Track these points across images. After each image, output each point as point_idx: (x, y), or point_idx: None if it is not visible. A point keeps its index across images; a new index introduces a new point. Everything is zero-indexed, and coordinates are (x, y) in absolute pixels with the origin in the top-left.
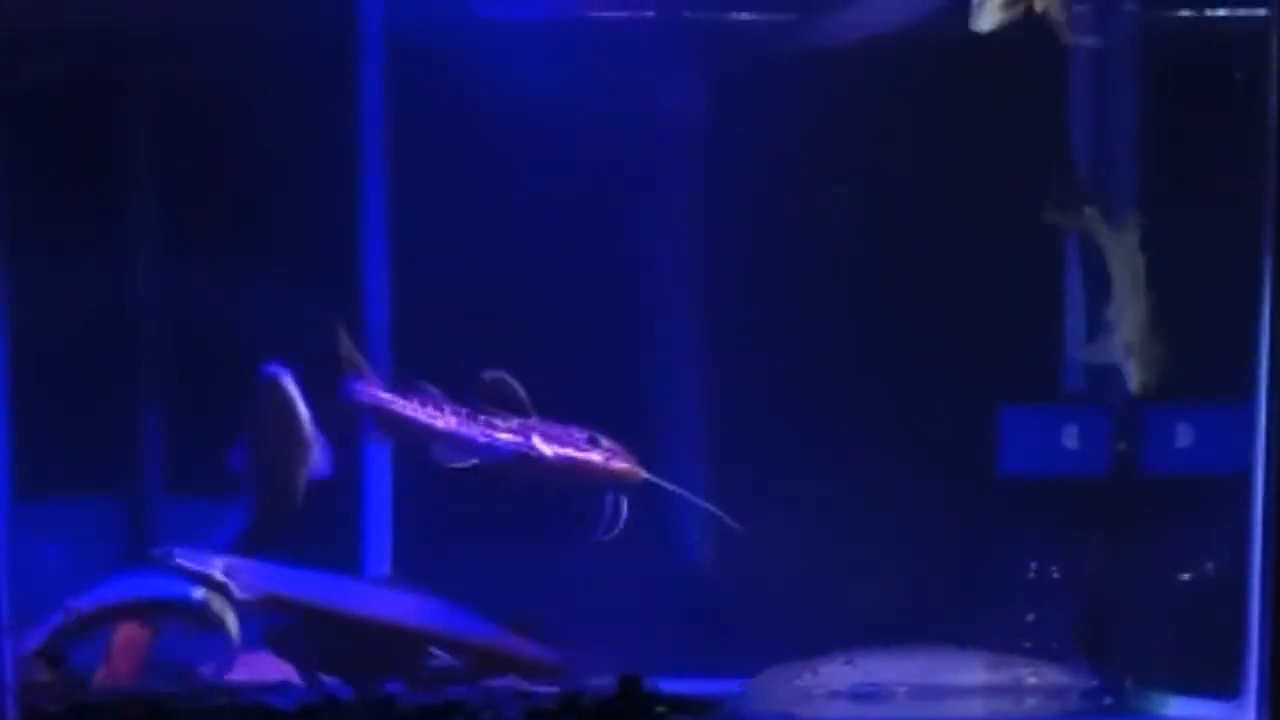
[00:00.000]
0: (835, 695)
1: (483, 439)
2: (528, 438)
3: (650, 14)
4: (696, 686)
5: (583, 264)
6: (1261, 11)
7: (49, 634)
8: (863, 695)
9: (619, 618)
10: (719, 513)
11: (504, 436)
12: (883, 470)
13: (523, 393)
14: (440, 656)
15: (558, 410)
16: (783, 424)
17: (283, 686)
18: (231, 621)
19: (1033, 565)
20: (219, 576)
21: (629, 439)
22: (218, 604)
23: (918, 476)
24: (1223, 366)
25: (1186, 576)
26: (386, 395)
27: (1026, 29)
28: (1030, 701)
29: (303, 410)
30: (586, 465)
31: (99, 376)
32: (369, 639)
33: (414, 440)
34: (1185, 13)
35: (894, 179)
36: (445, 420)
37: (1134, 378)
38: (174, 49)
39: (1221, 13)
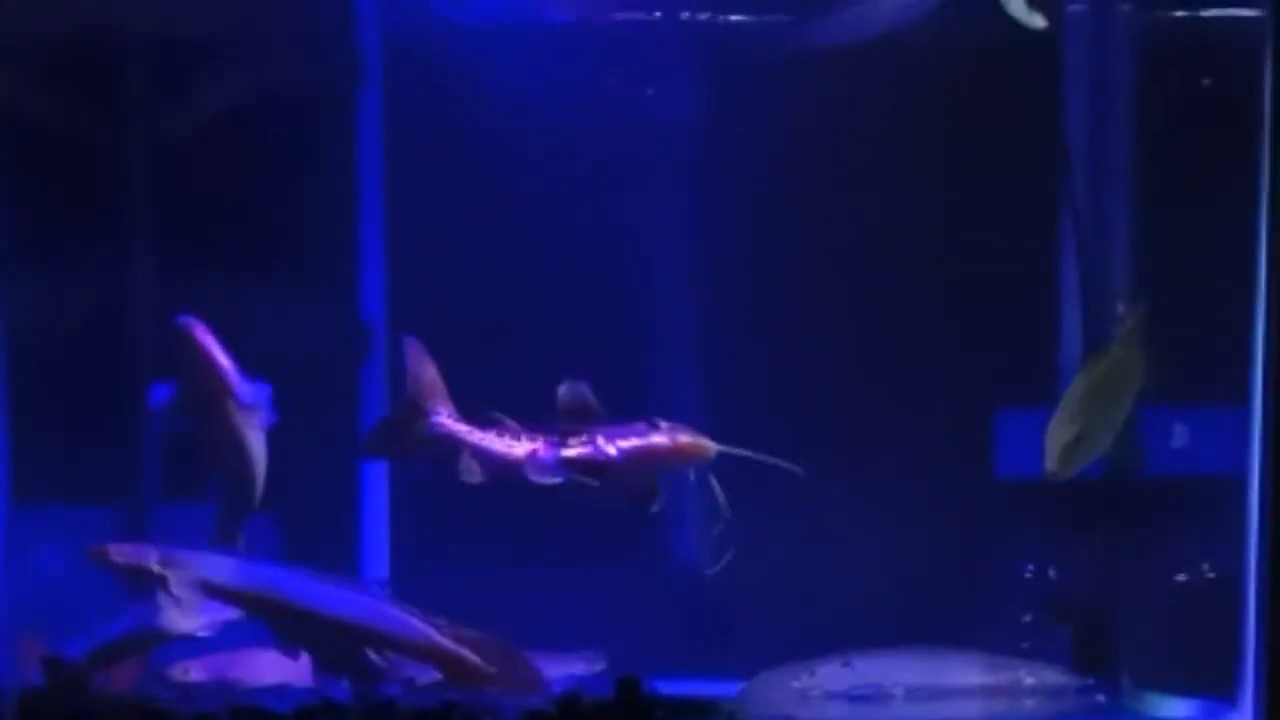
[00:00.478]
0: (832, 696)
1: (554, 458)
2: (594, 444)
3: (641, 19)
4: (694, 689)
5: (579, 270)
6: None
7: (85, 657)
8: (860, 696)
9: (617, 620)
10: (791, 467)
11: (573, 452)
12: (880, 473)
13: (594, 399)
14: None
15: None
16: (781, 428)
17: (280, 689)
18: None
19: (1029, 567)
20: (155, 568)
21: None
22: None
23: (915, 479)
24: (1218, 368)
25: (1183, 578)
26: (462, 426)
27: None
28: (1027, 702)
29: (221, 358)
30: (654, 449)
31: (98, 384)
32: (308, 631)
33: (493, 468)
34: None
35: (894, 188)
36: (522, 447)
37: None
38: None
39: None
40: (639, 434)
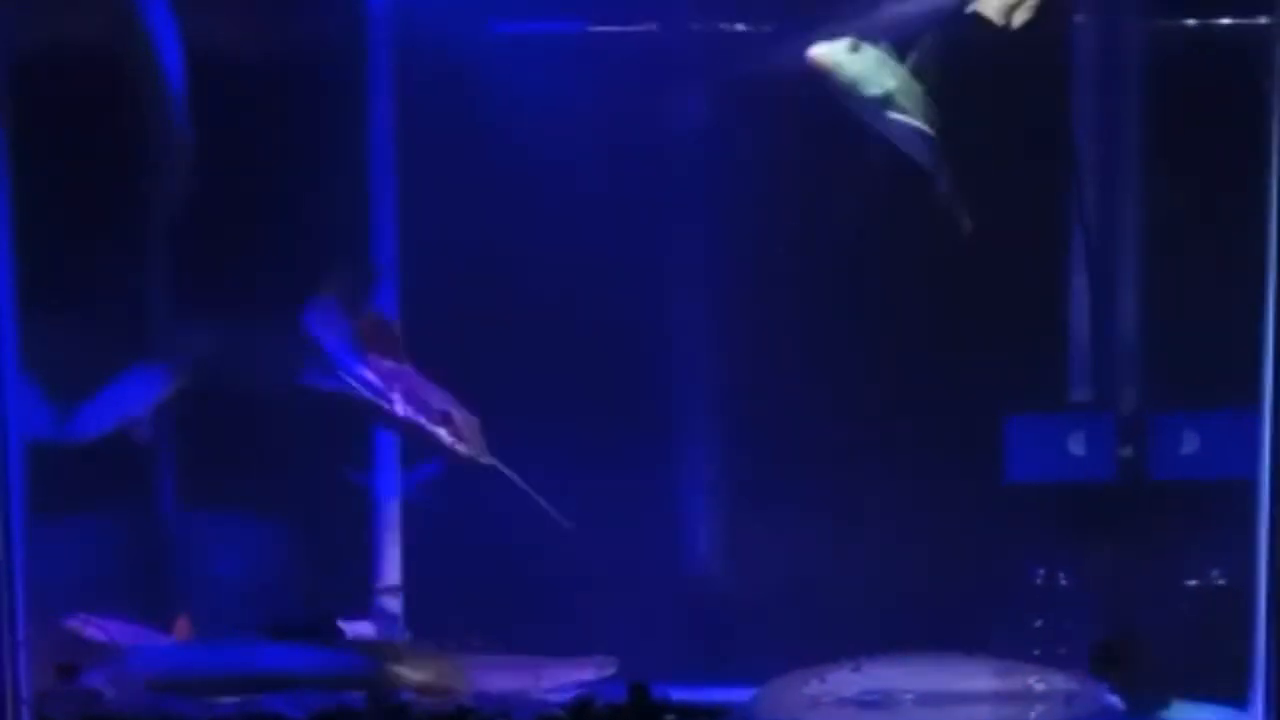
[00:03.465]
0: (843, 702)
1: (351, 372)
2: (390, 389)
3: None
4: (705, 694)
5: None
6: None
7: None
8: (870, 702)
9: (628, 626)
10: (548, 507)
11: (366, 376)
12: (890, 478)
13: (399, 333)
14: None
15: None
16: (792, 433)
17: (295, 698)
18: None
19: (1040, 572)
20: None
21: (642, 443)
22: None
23: (925, 485)
24: (1228, 373)
25: (1194, 583)
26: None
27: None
28: (1037, 708)
29: None
30: (432, 437)
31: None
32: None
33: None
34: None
35: (901, 187)
36: (329, 343)
37: None
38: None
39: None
40: (429, 417)
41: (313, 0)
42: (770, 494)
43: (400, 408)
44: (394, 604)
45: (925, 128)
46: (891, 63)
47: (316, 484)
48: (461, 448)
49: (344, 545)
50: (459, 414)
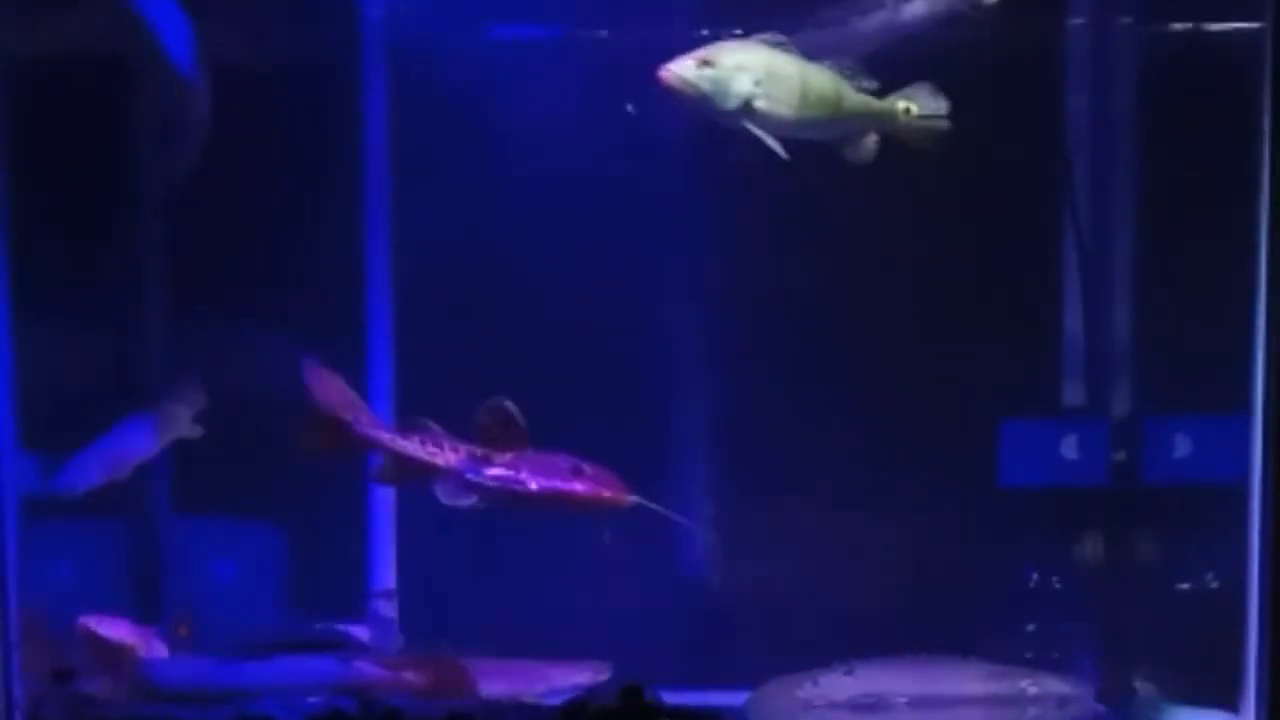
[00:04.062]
0: (836, 706)
1: (476, 476)
2: (517, 472)
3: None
4: (698, 698)
5: (584, 286)
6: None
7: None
8: (863, 706)
9: (623, 629)
10: (702, 532)
11: (495, 472)
12: (884, 483)
13: (521, 419)
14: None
15: (556, 435)
16: (785, 436)
17: (288, 701)
18: None
19: (1033, 576)
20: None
21: (630, 456)
22: None
23: (919, 488)
24: (1220, 377)
25: (1186, 587)
26: (383, 431)
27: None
28: (1031, 711)
29: None
30: (572, 495)
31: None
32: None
33: (415, 477)
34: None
35: (895, 194)
36: (445, 457)
37: None
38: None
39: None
40: (562, 476)
41: (306, 5)
42: (764, 498)
43: (534, 484)
44: (389, 609)
45: (775, 143)
46: (758, 65)
47: (315, 495)
48: (605, 493)
49: (341, 552)
50: (586, 464)
